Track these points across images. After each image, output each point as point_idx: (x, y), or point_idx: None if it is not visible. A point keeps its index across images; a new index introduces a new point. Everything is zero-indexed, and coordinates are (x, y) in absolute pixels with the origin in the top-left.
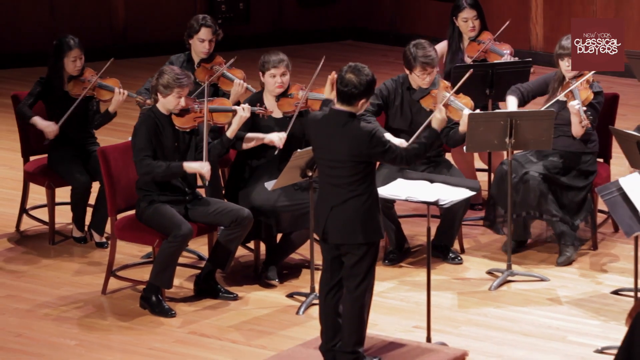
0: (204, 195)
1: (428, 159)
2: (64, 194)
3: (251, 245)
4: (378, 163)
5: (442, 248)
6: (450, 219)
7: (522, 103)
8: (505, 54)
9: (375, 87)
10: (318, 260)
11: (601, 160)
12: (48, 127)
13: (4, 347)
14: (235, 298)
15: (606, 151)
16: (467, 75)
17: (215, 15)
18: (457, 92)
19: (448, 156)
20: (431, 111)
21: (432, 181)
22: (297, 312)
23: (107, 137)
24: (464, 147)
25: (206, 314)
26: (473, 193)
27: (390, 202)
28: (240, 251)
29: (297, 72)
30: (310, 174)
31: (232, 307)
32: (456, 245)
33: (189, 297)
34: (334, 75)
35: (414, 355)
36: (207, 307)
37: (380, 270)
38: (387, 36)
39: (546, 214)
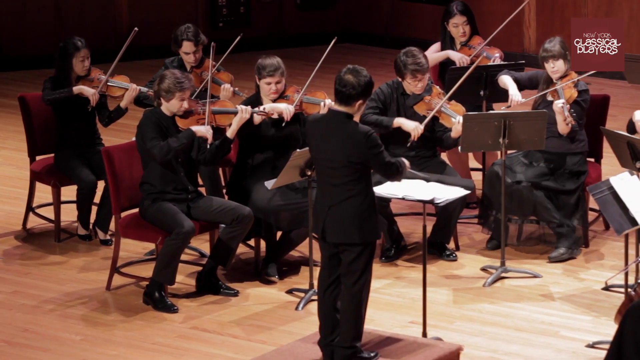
0: (205, 194)
1: (422, 157)
2: (69, 192)
3: (252, 242)
4: None
5: (438, 245)
6: (446, 217)
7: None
8: (495, 58)
9: (372, 89)
10: (317, 257)
11: (592, 160)
12: (95, 94)
13: (10, 341)
14: (236, 294)
15: (597, 151)
16: (458, 82)
17: (217, 19)
18: (449, 100)
19: (443, 156)
20: (424, 117)
21: (428, 180)
22: (296, 308)
23: (112, 138)
24: (459, 148)
25: (208, 310)
26: (468, 192)
27: (385, 201)
28: (241, 248)
29: (296, 73)
30: (309, 173)
31: (232, 303)
32: (451, 243)
33: (191, 293)
34: None
35: (410, 350)
36: (209, 302)
37: (377, 267)
38: (383, 39)
39: (544, 221)
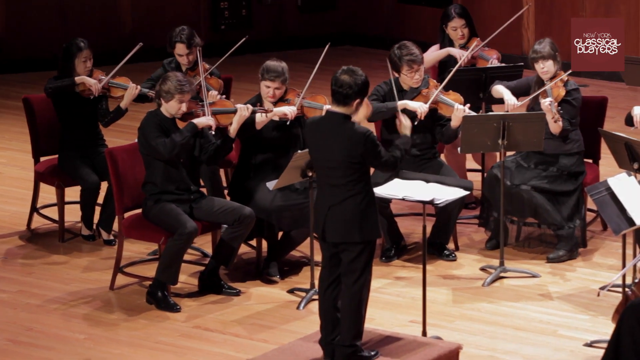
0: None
1: (422, 158)
2: (73, 193)
3: (253, 242)
4: None
5: (438, 245)
6: (445, 218)
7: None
8: (492, 59)
9: (368, 89)
10: (318, 257)
11: (590, 161)
12: (96, 84)
13: (15, 340)
14: (238, 293)
15: (595, 152)
16: (452, 71)
17: (218, 21)
18: (446, 90)
19: (442, 157)
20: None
21: (427, 181)
22: (298, 307)
23: (115, 139)
24: (459, 149)
25: (210, 309)
26: (467, 192)
27: (386, 202)
28: (243, 248)
29: (297, 75)
30: (310, 174)
31: (235, 302)
32: (451, 243)
33: (193, 293)
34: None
35: (410, 349)
36: (211, 302)
37: (378, 267)
38: (383, 41)
39: (545, 224)
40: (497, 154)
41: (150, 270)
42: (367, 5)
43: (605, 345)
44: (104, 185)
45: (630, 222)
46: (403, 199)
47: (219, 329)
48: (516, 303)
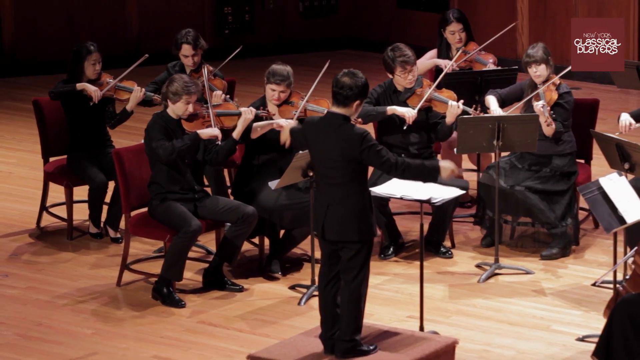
0: (211, 194)
1: (419, 157)
2: (81, 192)
3: (256, 240)
4: None
5: (434, 243)
6: (441, 216)
7: (500, 104)
8: (489, 64)
9: (368, 91)
10: (318, 254)
11: (582, 161)
12: (96, 91)
13: (25, 335)
14: (241, 290)
15: (587, 153)
16: (445, 70)
17: (222, 26)
18: (439, 88)
19: (438, 157)
20: (419, 110)
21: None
22: (299, 303)
23: (122, 140)
24: (455, 149)
25: (214, 305)
26: (463, 192)
27: (384, 200)
28: (246, 246)
29: (299, 78)
30: (310, 174)
31: (238, 298)
32: (447, 241)
33: (197, 289)
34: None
35: (408, 344)
36: (215, 298)
37: (376, 264)
38: (383, 45)
39: (539, 223)
40: (492, 154)
41: (156, 267)
42: (367, 10)
43: (596, 339)
44: (111, 185)
45: (621, 221)
46: (401, 198)
47: (223, 324)
48: (510, 299)
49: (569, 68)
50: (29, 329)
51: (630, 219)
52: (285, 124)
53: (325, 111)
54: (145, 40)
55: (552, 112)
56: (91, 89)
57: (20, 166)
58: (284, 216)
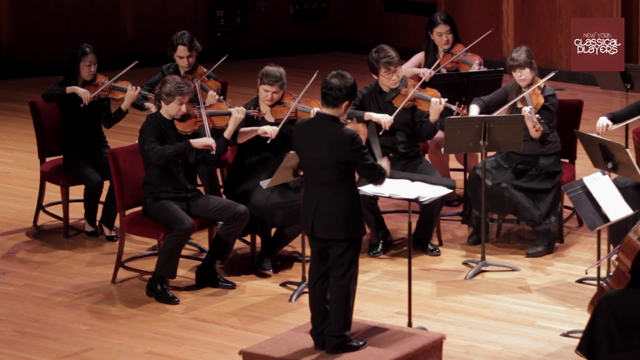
0: (204, 193)
1: (406, 156)
2: (77, 192)
3: (248, 238)
4: None
5: (422, 241)
6: (428, 214)
7: (484, 111)
8: (474, 64)
9: (356, 92)
10: (308, 252)
11: (567, 160)
12: (85, 92)
13: (22, 331)
14: (233, 287)
15: (571, 152)
16: (429, 72)
17: (215, 29)
18: (424, 87)
19: (426, 157)
20: (404, 109)
21: (412, 180)
22: (290, 300)
23: (117, 140)
24: (442, 149)
25: (207, 301)
26: (450, 190)
27: (373, 199)
28: (238, 244)
29: (290, 80)
30: (301, 173)
31: (230, 295)
32: (435, 239)
33: (191, 286)
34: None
35: (396, 339)
36: (208, 295)
37: (365, 261)
38: (371, 48)
39: (524, 220)
40: (479, 154)
41: (150, 265)
42: (356, 13)
43: (581, 335)
44: (107, 184)
45: (605, 219)
46: (390, 197)
47: (215, 321)
48: (497, 295)
49: (553, 73)
50: (26, 325)
51: (613, 217)
52: (270, 130)
53: (315, 111)
54: (140, 43)
55: (539, 117)
56: (80, 91)
57: (18, 166)
58: (275, 215)
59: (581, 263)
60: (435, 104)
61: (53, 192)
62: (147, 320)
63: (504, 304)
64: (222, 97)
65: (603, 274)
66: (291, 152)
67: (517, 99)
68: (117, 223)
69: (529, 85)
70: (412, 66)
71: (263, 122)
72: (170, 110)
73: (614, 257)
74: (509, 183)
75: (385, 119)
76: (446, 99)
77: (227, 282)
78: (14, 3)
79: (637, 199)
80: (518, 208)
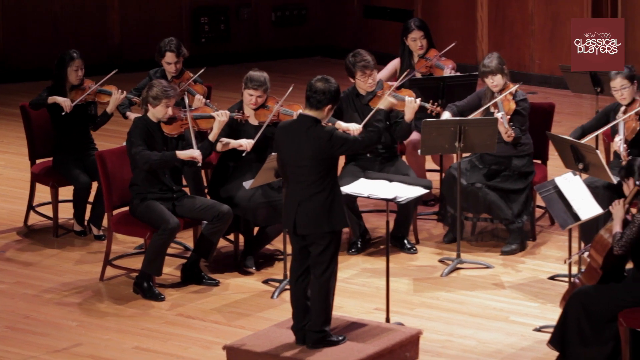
0: (189, 194)
1: (383, 156)
2: (66, 192)
3: (231, 237)
4: (343, 161)
5: (399, 239)
6: (404, 212)
7: (456, 117)
8: (446, 69)
9: (339, 96)
10: (290, 250)
11: (539, 161)
12: (65, 101)
13: (13, 327)
14: (217, 284)
15: (543, 153)
16: (405, 74)
17: (199, 35)
18: (398, 89)
19: (403, 158)
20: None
21: (390, 180)
22: (272, 296)
23: (104, 143)
24: (419, 151)
25: (192, 298)
26: (426, 191)
27: (352, 198)
28: (222, 243)
29: (272, 84)
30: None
31: (214, 292)
32: (412, 237)
33: (176, 283)
34: None
35: (375, 334)
36: (193, 292)
37: (345, 259)
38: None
39: (498, 219)
40: (454, 155)
41: (136, 263)
42: (335, 19)
43: (552, 329)
44: (95, 185)
45: (576, 218)
46: (368, 197)
47: (200, 317)
48: (471, 292)
49: (517, 85)
50: (16, 322)
51: (584, 216)
52: (246, 143)
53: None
54: (127, 49)
55: (511, 123)
56: (60, 100)
57: (9, 168)
58: (258, 214)
59: (553, 260)
60: (410, 102)
61: (43, 192)
62: (134, 317)
63: (479, 300)
64: (209, 100)
65: (574, 271)
66: (273, 153)
67: (489, 104)
68: (104, 222)
69: (501, 91)
70: (388, 73)
71: (247, 125)
72: (157, 113)
73: (586, 253)
74: (484, 183)
75: (353, 127)
76: (420, 98)
77: (211, 279)
78: (5, 9)
79: (607, 199)
80: (492, 207)
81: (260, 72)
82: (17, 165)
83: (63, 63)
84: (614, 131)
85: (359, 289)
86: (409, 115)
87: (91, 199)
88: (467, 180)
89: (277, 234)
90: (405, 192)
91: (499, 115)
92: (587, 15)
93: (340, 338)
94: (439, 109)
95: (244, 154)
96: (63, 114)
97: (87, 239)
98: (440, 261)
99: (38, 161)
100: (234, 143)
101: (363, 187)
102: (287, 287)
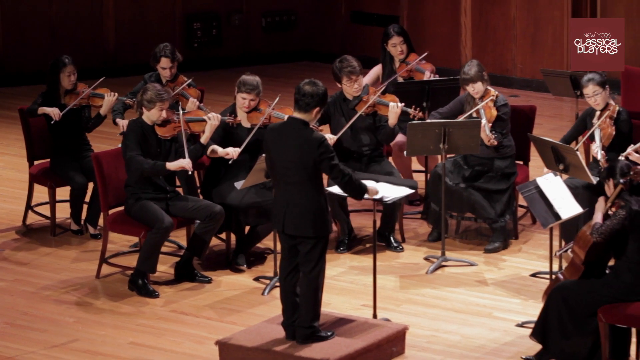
0: (182, 194)
1: (369, 157)
2: (63, 193)
3: (223, 236)
4: None
5: (386, 236)
6: (390, 210)
7: None
8: (426, 72)
9: (327, 99)
10: (280, 248)
11: (521, 162)
12: (54, 110)
13: (13, 323)
14: (210, 281)
15: (525, 155)
16: (387, 81)
17: (192, 40)
18: (383, 93)
19: (389, 159)
20: (366, 115)
21: (377, 181)
22: (263, 293)
23: (100, 144)
24: (405, 152)
25: (185, 295)
26: (412, 191)
27: (344, 197)
28: (214, 241)
29: (263, 88)
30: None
31: (207, 289)
32: (398, 236)
33: (170, 281)
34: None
35: (362, 330)
36: (186, 289)
37: (333, 256)
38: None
39: (481, 218)
40: (439, 156)
41: (132, 261)
42: (323, 25)
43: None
44: (91, 186)
45: (557, 217)
46: None
47: (193, 313)
48: (456, 288)
49: (497, 93)
50: (15, 318)
51: (565, 215)
52: (232, 151)
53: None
54: (122, 54)
55: (493, 130)
56: (48, 110)
57: (8, 169)
58: (249, 214)
59: (535, 258)
60: (393, 107)
61: (41, 193)
62: (130, 313)
63: (463, 296)
64: (202, 103)
65: (555, 268)
66: (263, 155)
67: (471, 111)
68: (100, 222)
69: (482, 97)
70: (370, 80)
71: (239, 127)
72: (151, 116)
73: (569, 251)
74: (467, 183)
75: (328, 136)
76: (403, 104)
77: (204, 277)
78: (3, 15)
79: (587, 198)
80: (475, 207)
81: (253, 76)
82: (16, 167)
83: (56, 69)
84: (593, 136)
85: (347, 286)
86: (392, 120)
87: (87, 198)
88: (451, 180)
89: (268, 233)
90: (392, 192)
91: (482, 122)
92: (567, 22)
93: (329, 333)
94: (420, 114)
95: (230, 162)
96: (52, 122)
97: (83, 238)
98: (426, 259)
99: (36, 162)
100: (220, 152)
101: None
102: (277, 284)
